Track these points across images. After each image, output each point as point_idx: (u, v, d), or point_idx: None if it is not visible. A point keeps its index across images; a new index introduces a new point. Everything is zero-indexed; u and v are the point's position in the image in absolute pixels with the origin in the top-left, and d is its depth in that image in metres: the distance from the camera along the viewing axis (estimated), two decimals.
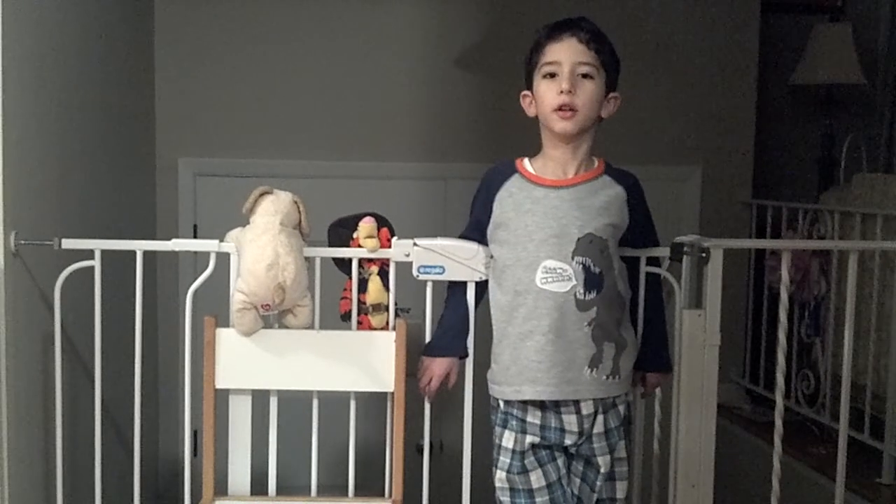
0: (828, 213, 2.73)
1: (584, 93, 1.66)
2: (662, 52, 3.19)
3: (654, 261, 1.88)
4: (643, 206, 1.78)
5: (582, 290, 1.65)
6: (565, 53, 1.67)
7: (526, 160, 1.75)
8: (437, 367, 1.81)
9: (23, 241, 1.80)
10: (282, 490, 1.96)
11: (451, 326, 1.82)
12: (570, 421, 1.68)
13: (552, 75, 1.67)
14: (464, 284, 1.82)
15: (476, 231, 1.79)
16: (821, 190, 3.17)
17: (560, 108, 1.66)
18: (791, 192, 3.26)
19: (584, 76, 1.66)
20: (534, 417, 1.69)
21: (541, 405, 1.68)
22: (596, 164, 1.75)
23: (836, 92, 3.36)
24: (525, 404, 1.69)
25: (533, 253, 1.66)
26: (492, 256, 1.76)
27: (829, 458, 2.13)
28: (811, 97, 3.46)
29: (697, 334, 1.81)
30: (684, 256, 1.86)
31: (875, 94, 3.41)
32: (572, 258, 1.65)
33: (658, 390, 1.95)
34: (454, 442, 1.95)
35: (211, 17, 3.06)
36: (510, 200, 1.71)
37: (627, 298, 1.75)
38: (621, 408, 1.73)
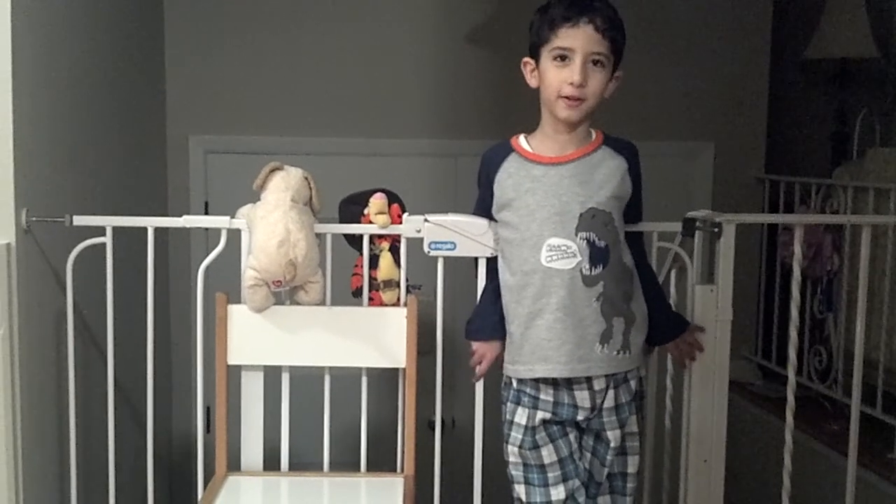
0: (841, 188, 2.71)
1: (594, 82, 1.62)
2: (674, 28, 3.16)
3: (637, 236, 1.80)
4: (639, 178, 1.74)
5: (588, 266, 1.63)
6: (580, 41, 1.61)
7: (522, 138, 1.72)
8: (491, 352, 1.77)
9: (34, 218, 1.80)
10: (294, 466, 1.97)
11: (495, 304, 1.75)
12: (583, 397, 1.67)
13: (563, 58, 1.62)
14: (496, 259, 1.77)
15: (482, 210, 1.78)
16: (834, 165, 3.14)
17: (568, 97, 1.62)
18: (804, 167, 3.23)
19: (596, 63, 1.62)
20: (546, 395, 1.69)
21: (553, 383, 1.68)
22: (594, 136, 1.71)
23: (850, 66, 3.32)
24: (537, 382, 1.69)
25: (536, 232, 1.65)
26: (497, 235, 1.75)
27: (842, 433, 2.13)
28: (824, 71, 3.41)
29: (709, 310, 1.81)
30: (696, 231, 1.85)
31: (889, 68, 3.36)
32: (576, 234, 1.64)
33: (669, 365, 1.94)
34: (466, 418, 1.95)
35: None
36: (510, 181, 1.69)
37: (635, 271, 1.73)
38: (633, 383, 1.72)
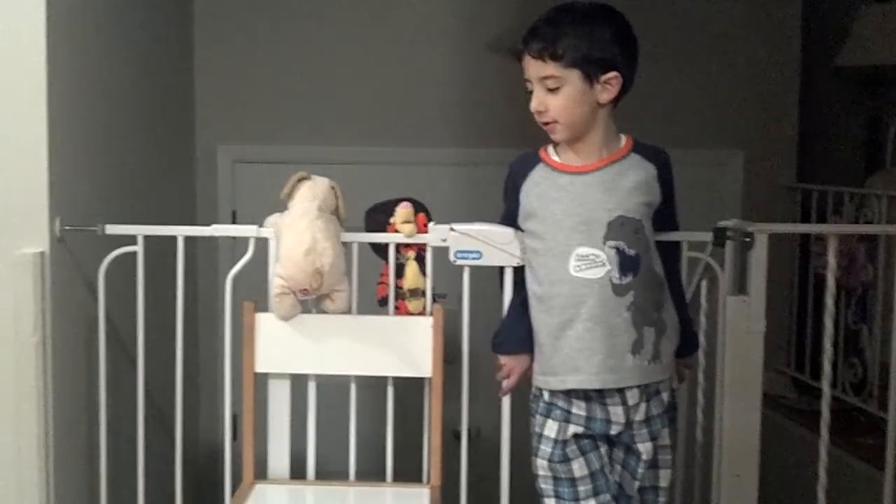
0: (875, 198, 2.66)
1: (554, 105, 1.62)
2: (704, 34, 3.14)
3: (674, 246, 1.80)
4: (671, 186, 1.72)
5: (617, 275, 1.62)
6: (530, 70, 1.64)
7: (550, 148, 1.71)
8: (519, 366, 1.75)
9: (67, 227, 1.83)
10: (320, 474, 1.97)
11: (522, 317, 1.73)
12: (617, 412, 1.65)
13: (530, 89, 1.66)
14: (523, 268, 1.76)
15: (508, 220, 1.77)
16: (867, 173, 3.09)
17: (543, 122, 1.65)
18: (836, 175, 3.18)
19: (550, 90, 1.62)
20: (579, 409, 1.66)
21: (585, 396, 1.66)
22: (623, 142, 1.69)
23: (883, 73, 3.27)
24: (569, 396, 1.66)
25: (563, 242, 1.63)
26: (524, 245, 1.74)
27: (878, 447, 2.09)
28: (856, 78, 3.37)
29: (741, 321, 1.78)
30: (728, 241, 1.82)
31: None
32: (604, 243, 1.62)
33: (700, 377, 1.92)
34: (491, 428, 1.94)
35: (249, 5, 3.07)
36: (536, 191, 1.68)
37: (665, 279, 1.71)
38: (664, 395, 1.69)
